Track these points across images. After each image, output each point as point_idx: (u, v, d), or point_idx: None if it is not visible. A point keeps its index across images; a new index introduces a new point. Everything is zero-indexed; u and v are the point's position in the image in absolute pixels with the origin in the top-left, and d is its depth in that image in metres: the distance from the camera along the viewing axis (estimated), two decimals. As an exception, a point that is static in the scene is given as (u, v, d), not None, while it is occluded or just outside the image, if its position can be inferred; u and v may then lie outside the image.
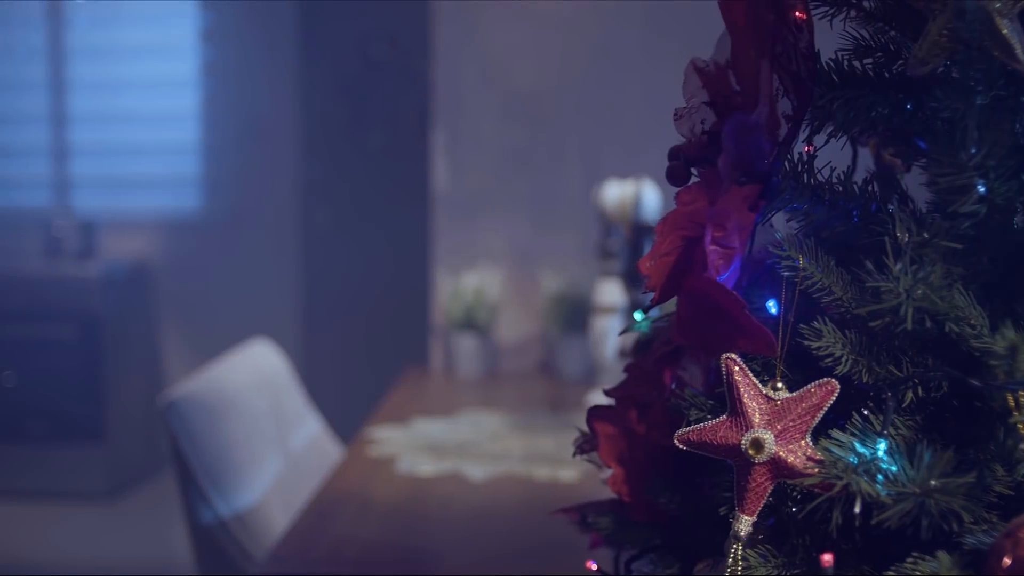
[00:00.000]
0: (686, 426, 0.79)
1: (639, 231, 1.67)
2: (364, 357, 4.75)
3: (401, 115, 4.76)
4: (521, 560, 1.42)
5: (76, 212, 4.68)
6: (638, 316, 0.93)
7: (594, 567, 1.01)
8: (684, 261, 0.73)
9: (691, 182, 0.80)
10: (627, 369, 0.93)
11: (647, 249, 1.65)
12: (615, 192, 1.70)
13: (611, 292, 2.28)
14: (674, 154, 0.82)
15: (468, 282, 2.63)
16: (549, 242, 2.73)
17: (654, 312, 0.92)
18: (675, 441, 0.72)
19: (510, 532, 1.53)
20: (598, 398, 2.23)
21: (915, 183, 0.86)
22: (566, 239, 2.72)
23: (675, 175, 0.80)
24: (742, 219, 0.72)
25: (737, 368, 0.69)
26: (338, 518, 1.55)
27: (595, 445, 0.95)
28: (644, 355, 0.91)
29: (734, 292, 0.69)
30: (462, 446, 1.94)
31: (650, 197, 1.69)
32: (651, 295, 1.60)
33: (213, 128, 4.94)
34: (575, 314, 2.60)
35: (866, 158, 0.93)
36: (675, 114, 0.80)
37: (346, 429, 2.46)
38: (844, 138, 0.86)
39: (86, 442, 4.46)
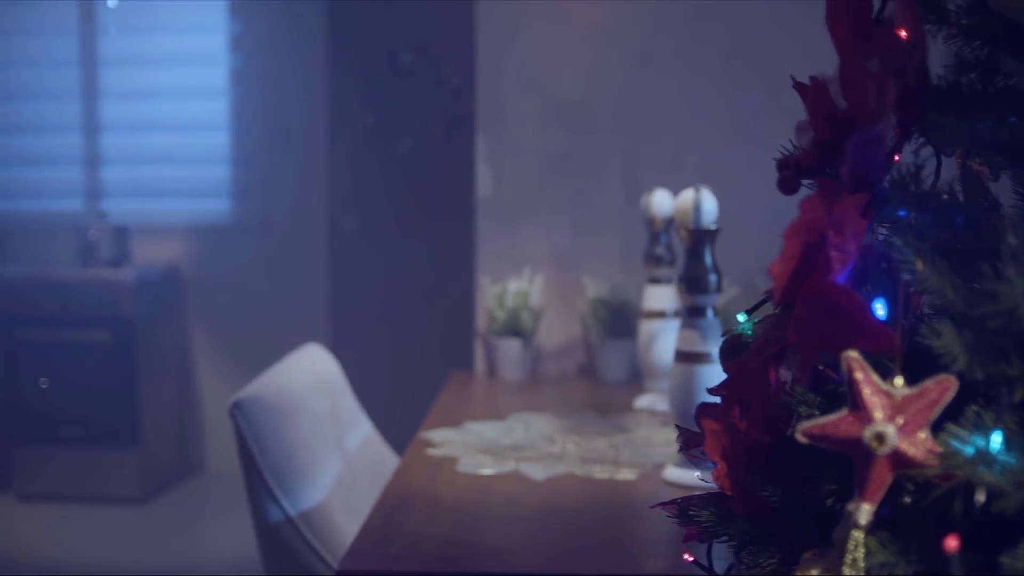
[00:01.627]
0: (796, 422, 0.84)
1: (699, 237, 1.71)
2: (391, 361, 4.80)
3: (430, 122, 4.81)
4: (592, 555, 1.47)
5: (109, 218, 4.73)
6: (742, 318, 0.97)
7: (690, 559, 1.06)
8: (805, 265, 0.77)
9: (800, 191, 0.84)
10: (727, 368, 0.98)
11: (708, 256, 1.69)
12: (679, 199, 1.75)
13: (659, 297, 2.33)
14: (785, 164, 0.86)
15: (511, 287, 2.68)
16: (590, 247, 2.77)
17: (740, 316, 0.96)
18: (798, 435, 0.76)
19: (578, 529, 1.57)
20: (648, 402, 2.27)
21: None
22: (607, 244, 2.77)
23: (786, 184, 0.84)
24: (856, 226, 0.77)
25: (858, 365, 0.74)
26: (409, 516, 1.59)
27: (700, 441, 0.99)
28: (745, 355, 0.95)
29: (856, 294, 0.73)
30: (518, 447, 1.98)
31: (710, 204, 1.73)
32: (714, 298, 1.63)
33: (243, 135, 4.99)
34: (616, 318, 2.64)
35: (949, 166, 0.97)
36: (797, 127, 0.84)
37: (383, 431, 2.49)
38: (924, 148, 0.90)
39: (120, 446, 4.51)
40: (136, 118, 5.06)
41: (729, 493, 0.94)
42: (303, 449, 1.86)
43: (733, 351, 1.05)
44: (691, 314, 1.74)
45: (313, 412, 1.97)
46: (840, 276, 0.75)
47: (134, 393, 4.52)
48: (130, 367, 4.50)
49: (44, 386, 4.51)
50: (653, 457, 1.92)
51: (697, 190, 1.73)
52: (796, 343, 0.82)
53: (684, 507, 1.05)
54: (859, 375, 0.74)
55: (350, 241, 4.94)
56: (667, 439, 2.05)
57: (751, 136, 2.73)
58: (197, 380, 5.05)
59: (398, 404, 4.01)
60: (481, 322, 2.80)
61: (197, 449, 5.08)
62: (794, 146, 0.92)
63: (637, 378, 2.63)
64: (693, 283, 1.72)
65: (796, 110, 2.76)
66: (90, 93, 5.03)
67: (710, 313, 1.73)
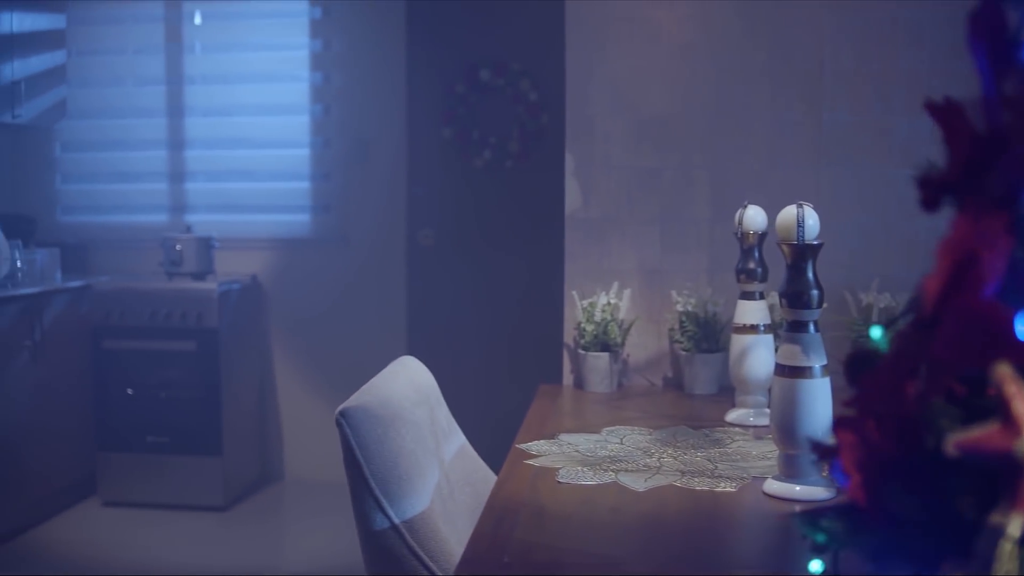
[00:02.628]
0: (937, 435, 0.85)
1: (802, 253, 1.73)
2: (470, 373, 4.85)
3: (508, 137, 4.86)
4: (701, 564, 1.49)
5: (194, 231, 4.85)
6: (876, 332, 0.99)
7: (818, 568, 1.08)
8: (954, 282, 0.79)
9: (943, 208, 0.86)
10: (861, 382, 1.00)
11: (810, 271, 1.71)
12: (782, 215, 1.76)
13: (751, 311, 2.34)
14: (927, 183, 0.88)
15: (600, 300, 2.70)
16: (678, 261, 2.79)
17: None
18: (948, 447, 0.78)
19: (684, 538, 1.60)
20: (739, 416, 2.29)
21: None
22: (695, 259, 2.78)
23: (929, 202, 0.86)
24: (1004, 243, 0.79)
25: (1010, 379, 0.76)
26: (516, 524, 1.62)
27: (836, 452, 1.01)
28: (878, 369, 0.97)
29: (1006, 309, 0.75)
30: (615, 459, 2.01)
31: (812, 220, 1.75)
32: (815, 313, 1.65)
33: (323, 150, 5.08)
34: (705, 332, 2.66)
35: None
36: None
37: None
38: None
39: (204, 454, 4.61)
40: (220, 134, 5.19)
41: (864, 504, 0.96)
42: (407, 458, 1.90)
43: (860, 364, 1.06)
44: (793, 329, 1.75)
45: (414, 422, 2.01)
46: (989, 292, 0.77)
47: (217, 402, 4.61)
48: (214, 376, 4.60)
49: (131, 396, 4.62)
50: (750, 470, 1.93)
51: (800, 206, 1.75)
52: (941, 358, 0.84)
53: (814, 517, 1.07)
54: (1011, 388, 0.76)
55: (428, 255, 5.00)
56: (762, 452, 2.06)
57: (838, 153, 2.74)
58: (276, 390, 5.14)
59: (479, 415, 4.05)
60: (569, 335, 2.83)
61: (276, 457, 5.17)
62: (934, 165, 0.94)
63: (724, 392, 2.65)
64: (795, 298, 1.74)
65: (884, 128, 2.77)
66: (176, 110, 5.16)
67: (812, 328, 1.75)
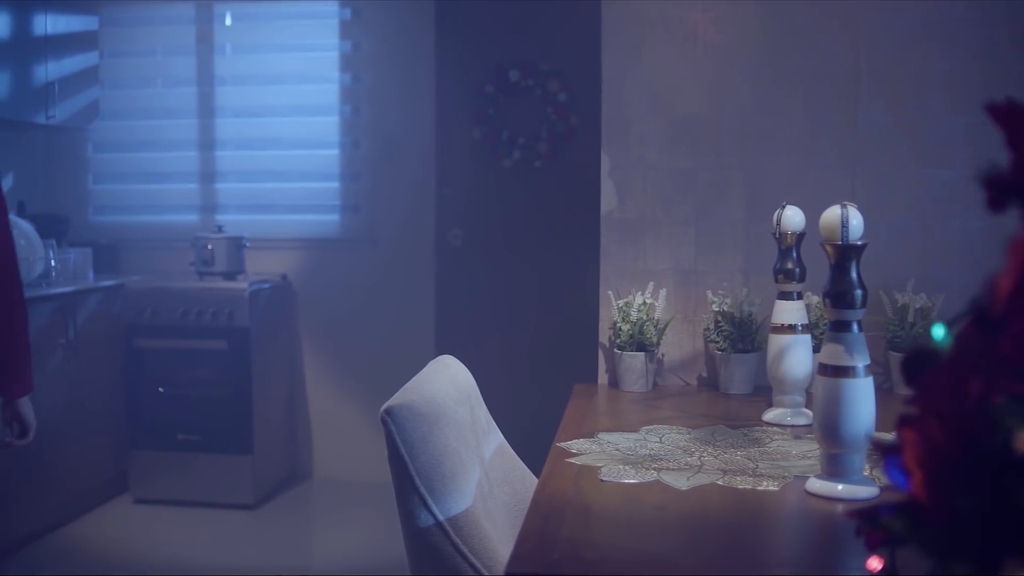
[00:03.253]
0: (1001, 433, 0.87)
1: (846, 253, 1.74)
2: (498, 372, 4.86)
3: (537, 138, 4.88)
4: (750, 562, 1.50)
5: (225, 230, 4.88)
6: (939, 330, 1.00)
7: (877, 565, 1.09)
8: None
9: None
10: (921, 381, 1.01)
11: (854, 272, 1.72)
12: (826, 215, 1.77)
13: (789, 312, 2.35)
14: (994, 183, 0.89)
15: (636, 300, 2.72)
16: (713, 262, 2.80)
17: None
18: (1018, 445, 0.79)
19: (731, 536, 1.61)
20: (777, 415, 2.29)
21: None
22: (730, 259, 2.79)
23: (995, 203, 0.87)
24: (1074, 243, 0.80)
25: (1081, 378, 0.77)
26: (563, 522, 1.64)
27: (897, 450, 1.02)
28: (940, 367, 0.98)
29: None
30: (655, 457, 2.02)
31: (856, 221, 1.76)
32: (859, 313, 1.65)
33: (352, 151, 5.12)
34: (740, 332, 2.67)
35: None
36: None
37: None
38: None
39: (235, 452, 4.64)
40: (250, 134, 5.24)
41: (926, 502, 0.97)
42: (451, 456, 1.92)
43: (919, 363, 1.07)
44: (836, 328, 1.76)
45: (457, 420, 2.03)
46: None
47: (248, 401, 4.65)
48: (245, 375, 4.63)
49: (162, 394, 4.66)
50: (791, 469, 1.94)
51: (844, 207, 1.75)
52: (1008, 356, 0.85)
53: (873, 514, 1.08)
54: (1082, 387, 0.77)
55: (456, 255, 5.03)
56: (803, 452, 2.07)
57: (873, 154, 2.74)
58: (305, 389, 5.17)
59: (507, 414, 4.06)
60: (604, 335, 2.85)
61: (305, 456, 5.20)
62: (997, 166, 0.95)
63: (759, 391, 2.66)
64: (839, 298, 1.75)
65: (919, 128, 2.76)
66: (207, 110, 5.21)
67: (855, 327, 1.76)
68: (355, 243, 5.11)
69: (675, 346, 2.83)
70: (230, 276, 4.79)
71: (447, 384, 2.14)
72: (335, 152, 5.15)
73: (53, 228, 4.79)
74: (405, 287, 5.07)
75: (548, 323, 4.97)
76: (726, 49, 2.78)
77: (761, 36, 2.77)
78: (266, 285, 4.85)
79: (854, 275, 1.76)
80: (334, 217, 5.17)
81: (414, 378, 2.13)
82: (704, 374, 2.83)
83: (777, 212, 2.33)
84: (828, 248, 1.77)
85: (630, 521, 1.67)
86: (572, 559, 1.48)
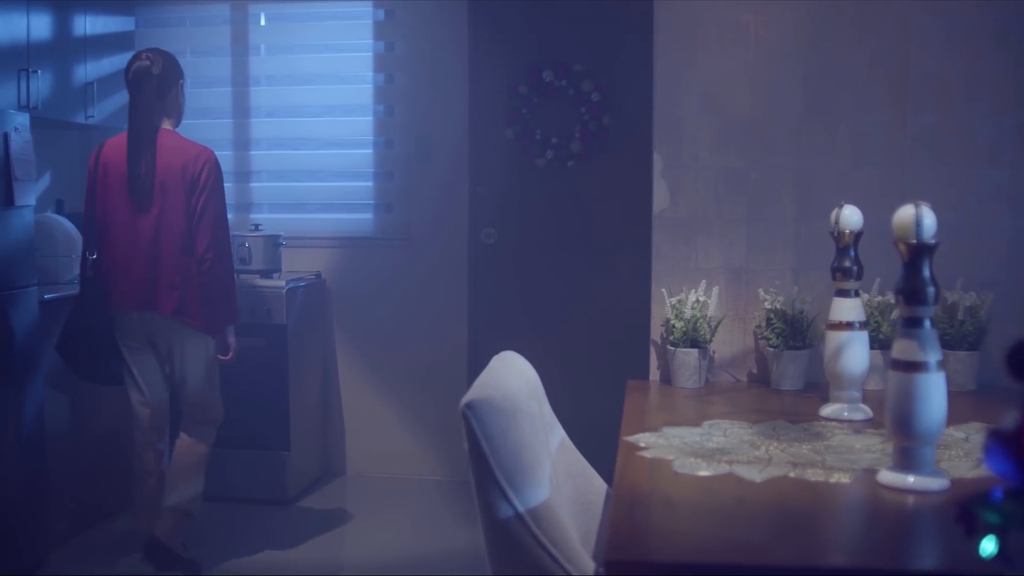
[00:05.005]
0: None
1: (919, 251, 1.79)
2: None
3: (570, 137, 4.92)
4: (837, 551, 1.55)
5: (262, 229, 4.93)
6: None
7: (991, 547, 1.14)
8: None
9: None
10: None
11: (926, 269, 1.76)
12: (899, 214, 1.82)
13: (847, 309, 2.40)
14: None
15: (690, 298, 2.77)
16: (764, 260, 2.85)
17: None
18: None
19: (815, 525, 1.66)
20: (834, 410, 2.34)
21: None
22: (781, 257, 2.84)
23: None
24: None
25: None
26: (649, 512, 1.70)
27: (1016, 440, 1.07)
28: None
29: None
30: (724, 451, 2.07)
31: (929, 220, 1.80)
32: (931, 310, 1.69)
33: (386, 150, 5.17)
34: (792, 329, 2.72)
35: None
36: None
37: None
38: None
39: (272, 449, 4.69)
40: (285, 134, 5.29)
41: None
42: (527, 449, 1.96)
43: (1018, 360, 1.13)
44: (908, 324, 1.81)
45: (530, 414, 2.08)
46: None
47: (285, 397, 4.70)
48: (282, 372, 4.68)
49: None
50: (858, 462, 1.99)
51: (917, 206, 1.80)
52: None
53: (980, 501, 1.13)
54: None
55: (490, 253, 5.08)
56: (866, 445, 2.12)
57: (923, 154, 2.79)
58: (339, 385, 5.23)
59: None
60: (656, 332, 2.90)
61: (339, 452, 5.26)
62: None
63: (810, 388, 2.71)
64: (912, 295, 1.80)
65: (968, 129, 2.82)
66: (242, 110, 5.26)
67: (928, 324, 1.81)
68: (389, 241, 5.16)
69: (725, 343, 2.88)
70: (267, 274, 4.84)
71: (518, 379, 2.19)
72: (369, 151, 5.21)
73: (92, 227, 4.84)
74: (439, 285, 5.12)
75: (581, 320, 5.02)
76: (777, 51, 2.83)
77: (812, 38, 2.82)
78: (302, 283, 4.90)
79: (927, 273, 1.81)
80: (368, 216, 5.22)
81: (484, 373, 2.17)
82: (754, 371, 2.88)
83: (835, 211, 2.38)
84: (901, 246, 1.82)
85: (713, 511, 1.72)
86: (666, 547, 1.54)
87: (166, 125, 3.76)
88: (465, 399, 1.95)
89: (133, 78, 3.68)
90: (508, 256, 5.07)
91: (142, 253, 3.64)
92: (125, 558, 4.01)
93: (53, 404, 4.01)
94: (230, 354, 3.83)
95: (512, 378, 2.16)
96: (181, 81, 3.82)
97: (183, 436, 3.88)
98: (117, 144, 3.72)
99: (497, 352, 2.41)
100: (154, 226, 3.64)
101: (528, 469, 1.96)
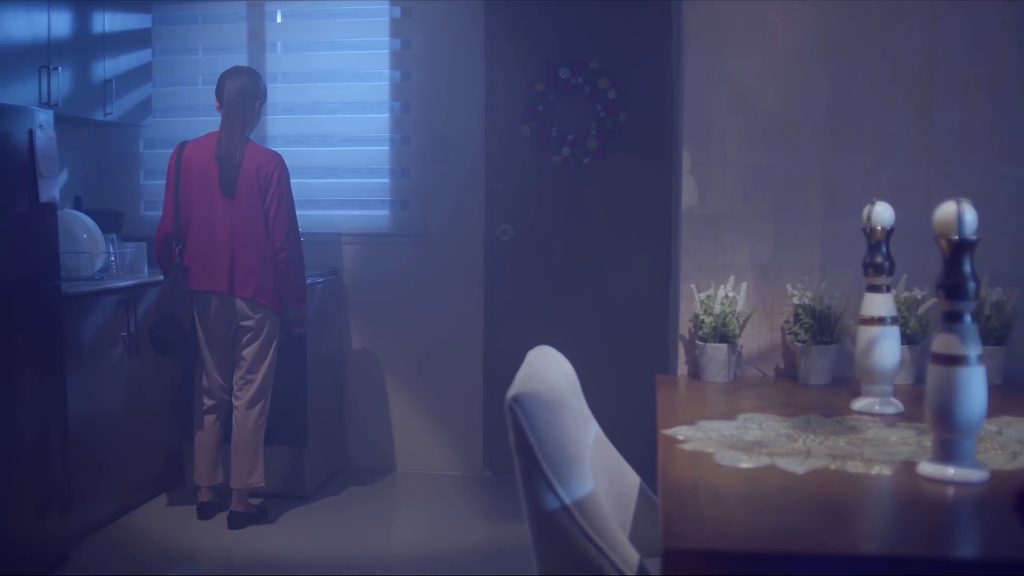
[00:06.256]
0: None
1: (960, 247, 1.83)
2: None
3: (586, 135, 4.96)
4: (877, 540, 1.59)
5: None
6: None
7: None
8: None
9: None
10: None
11: (967, 265, 1.80)
12: (940, 211, 1.86)
13: (878, 304, 2.44)
14: None
15: (719, 293, 2.80)
16: (791, 256, 2.89)
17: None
18: None
19: (862, 515, 1.70)
20: (866, 404, 2.37)
21: None
22: (808, 254, 2.88)
23: None
24: None
25: None
26: (699, 502, 1.73)
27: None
28: None
29: None
30: (763, 444, 2.11)
31: (971, 216, 1.84)
32: (972, 304, 1.74)
33: (403, 147, 5.20)
34: (821, 325, 2.75)
35: None
36: None
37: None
38: None
39: (291, 444, 4.73)
40: (301, 131, 5.33)
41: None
42: (571, 442, 2.00)
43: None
44: (949, 319, 1.85)
45: (572, 408, 2.11)
46: None
47: (303, 393, 4.73)
48: (300, 368, 4.72)
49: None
50: (896, 455, 2.03)
51: (959, 202, 1.84)
52: None
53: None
54: None
55: (506, 249, 5.11)
56: (902, 438, 2.16)
57: (948, 152, 2.83)
58: (356, 381, 5.26)
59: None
60: (684, 327, 2.93)
61: (355, 447, 5.29)
62: None
63: (838, 382, 2.75)
64: (953, 290, 1.84)
65: (993, 127, 2.85)
66: (258, 107, 5.28)
67: (968, 318, 1.84)
68: (405, 238, 5.19)
69: (753, 338, 2.92)
70: (285, 270, 4.87)
71: (558, 373, 2.22)
72: (385, 148, 5.24)
73: (110, 223, 4.88)
74: (455, 281, 5.15)
75: (597, 315, 5.06)
76: (804, 50, 2.87)
77: (839, 37, 2.85)
78: (319, 279, 4.93)
79: (967, 268, 1.84)
80: (384, 212, 5.26)
81: (524, 367, 2.20)
82: (781, 365, 2.92)
83: (867, 208, 2.42)
84: (943, 242, 1.86)
85: (761, 502, 1.76)
86: (721, 535, 1.57)
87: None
88: (511, 393, 1.99)
89: (231, 96, 4.31)
90: (524, 252, 5.11)
91: (222, 244, 4.26)
92: (144, 555, 4.05)
93: (76, 400, 4.04)
94: (304, 327, 4.48)
95: (552, 372, 2.20)
96: (263, 99, 4.46)
97: (239, 417, 4.41)
98: (198, 146, 4.35)
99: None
100: (234, 221, 4.25)
101: (574, 462, 1.99)
